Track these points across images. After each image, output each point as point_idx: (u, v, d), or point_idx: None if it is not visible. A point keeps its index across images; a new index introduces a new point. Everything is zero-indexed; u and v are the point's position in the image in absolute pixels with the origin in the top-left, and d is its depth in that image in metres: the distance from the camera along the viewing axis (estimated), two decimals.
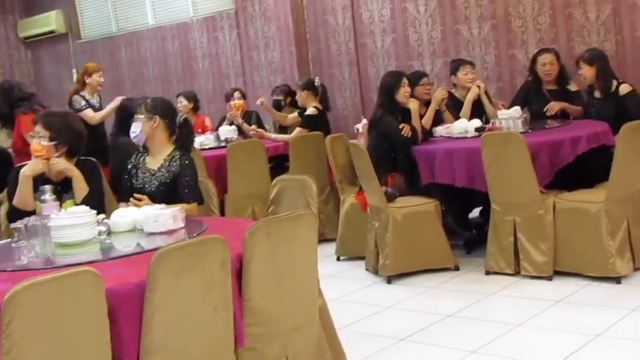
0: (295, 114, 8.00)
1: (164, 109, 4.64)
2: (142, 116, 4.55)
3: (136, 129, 4.56)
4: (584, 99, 6.75)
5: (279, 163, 7.53)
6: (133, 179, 4.58)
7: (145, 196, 4.36)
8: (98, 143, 7.07)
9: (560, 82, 6.81)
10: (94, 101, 7.71)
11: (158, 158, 4.55)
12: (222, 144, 7.70)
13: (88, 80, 7.73)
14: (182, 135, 4.66)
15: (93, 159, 4.70)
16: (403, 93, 6.23)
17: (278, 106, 8.37)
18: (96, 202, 4.23)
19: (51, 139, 4.39)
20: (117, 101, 7.43)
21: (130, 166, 4.66)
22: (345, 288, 5.78)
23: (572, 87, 6.84)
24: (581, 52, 6.72)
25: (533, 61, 6.87)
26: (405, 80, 6.27)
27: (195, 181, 4.55)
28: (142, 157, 4.65)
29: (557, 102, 6.63)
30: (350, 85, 9.28)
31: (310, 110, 7.66)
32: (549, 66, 6.73)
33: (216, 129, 8.24)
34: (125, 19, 11.66)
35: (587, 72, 6.23)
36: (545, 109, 6.58)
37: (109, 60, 11.71)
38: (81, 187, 4.40)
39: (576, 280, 5.32)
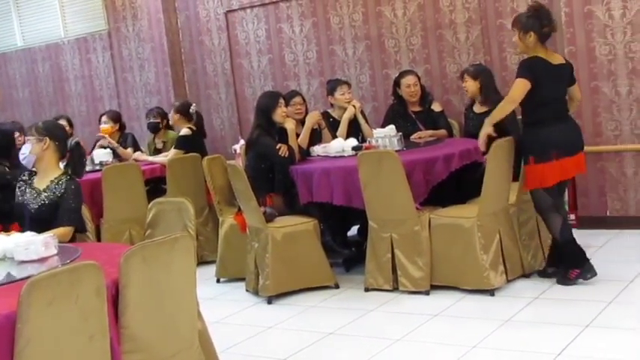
0: None
1: (55, 132, 4.70)
2: (33, 137, 4.56)
3: (26, 150, 4.59)
4: (447, 120, 6.99)
5: (155, 186, 7.42)
6: (22, 196, 4.64)
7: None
8: None
9: (423, 103, 6.97)
10: None
11: (45, 180, 4.59)
12: (97, 167, 7.53)
13: None
14: (73, 158, 4.69)
15: None
16: (280, 113, 6.24)
17: (155, 128, 8.24)
18: None
19: None
20: None
21: (20, 182, 4.70)
22: (226, 310, 5.74)
23: (436, 107, 7.02)
24: (460, 68, 7.06)
25: (397, 83, 7.01)
26: (281, 100, 6.30)
27: (78, 207, 4.55)
28: (33, 176, 4.68)
29: (423, 131, 6.80)
30: (227, 106, 9.26)
31: (184, 131, 7.60)
32: (413, 87, 6.89)
33: (90, 152, 8.06)
34: None
35: (471, 85, 6.40)
36: (412, 137, 6.70)
37: None
38: None
39: (452, 294, 5.44)
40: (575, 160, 5.35)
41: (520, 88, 5.25)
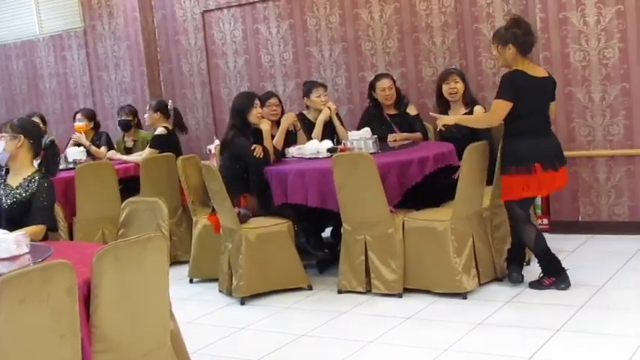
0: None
1: (30, 130, 4.67)
2: (7, 135, 4.54)
3: None
4: (422, 123, 7.00)
5: (129, 185, 7.37)
6: None
7: None
8: None
9: (399, 106, 6.99)
10: None
11: (18, 177, 4.56)
12: (70, 166, 7.48)
13: None
14: (47, 157, 4.68)
15: None
16: (255, 114, 6.23)
17: (127, 126, 8.20)
18: None
19: None
20: None
21: None
22: (198, 310, 5.72)
23: (411, 111, 7.03)
24: (436, 72, 7.31)
25: (372, 87, 7.02)
26: (256, 101, 6.29)
27: (50, 205, 4.51)
28: (7, 173, 4.64)
29: (398, 134, 6.82)
30: (202, 106, 9.24)
31: (159, 130, 7.57)
32: (388, 91, 6.89)
33: (64, 150, 8.00)
34: None
35: (461, 87, 6.41)
36: (387, 140, 6.73)
37: None
38: None
39: (425, 297, 5.45)
40: (553, 175, 5.31)
41: (502, 109, 5.23)
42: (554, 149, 5.41)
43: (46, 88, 10.43)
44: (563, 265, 5.42)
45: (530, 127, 5.27)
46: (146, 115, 7.82)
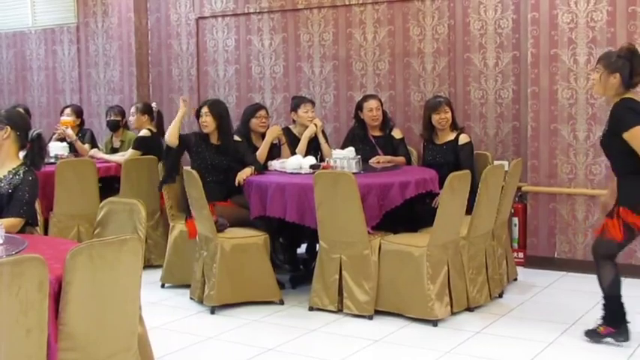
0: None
1: (17, 121, 4.61)
2: None
3: None
4: (407, 147, 7.03)
5: (109, 185, 7.35)
6: None
7: None
8: None
9: (384, 128, 7.01)
10: None
11: (2, 170, 4.48)
12: (52, 160, 7.43)
13: None
14: (33, 150, 4.62)
15: None
16: (201, 122, 6.43)
17: (116, 126, 8.17)
18: None
19: None
20: None
21: None
22: (168, 316, 5.69)
23: (397, 134, 7.04)
24: (425, 97, 7.33)
25: (359, 107, 7.02)
26: (202, 110, 6.47)
27: (31, 199, 4.45)
28: None
29: (382, 156, 6.84)
30: (188, 112, 9.20)
31: (143, 132, 7.56)
32: (376, 111, 6.90)
33: (47, 144, 7.96)
34: None
35: (450, 116, 6.42)
36: (371, 161, 6.74)
37: None
38: None
39: (396, 321, 5.45)
40: None
41: None
42: None
43: (33, 81, 10.39)
44: (625, 317, 4.92)
45: None
46: (132, 118, 7.78)
